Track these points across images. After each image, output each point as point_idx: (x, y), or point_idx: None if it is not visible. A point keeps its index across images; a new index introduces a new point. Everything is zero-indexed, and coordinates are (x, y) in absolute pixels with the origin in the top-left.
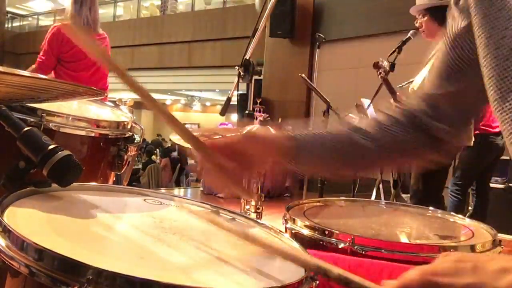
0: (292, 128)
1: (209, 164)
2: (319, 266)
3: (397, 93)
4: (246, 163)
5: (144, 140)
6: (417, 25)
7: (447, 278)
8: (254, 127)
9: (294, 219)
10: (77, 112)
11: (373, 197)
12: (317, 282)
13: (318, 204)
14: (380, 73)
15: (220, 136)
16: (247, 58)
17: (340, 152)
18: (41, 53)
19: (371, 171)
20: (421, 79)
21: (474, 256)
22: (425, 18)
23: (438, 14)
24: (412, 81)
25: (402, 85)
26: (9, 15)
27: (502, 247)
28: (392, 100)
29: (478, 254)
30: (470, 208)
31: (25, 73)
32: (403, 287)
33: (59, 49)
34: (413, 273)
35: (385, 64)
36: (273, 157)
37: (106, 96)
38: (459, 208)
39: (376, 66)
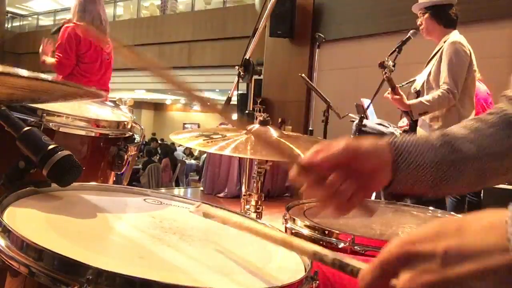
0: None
1: (318, 186)
2: (316, 252)
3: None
4: (363, 180)
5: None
6: (418, 23)
7: (427, 244)
8: (254, 126)
9: (294, 219)
10: (77, 112)
11: (373, 197)
12: (317, 282)
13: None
14: (385, 72)
15: (318, 151)
16: (247, 58)
17: (442, 163)
18: (59, 52)
19: (474, 186)
20: (422, 79)
21: (460, 218)
22: (426, 16)
23: (438, 13)
24: (413, 81)
25: (402, 85)
26: (9, 15)
27: None
28: (390, 92)
29: (464, 216)
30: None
31: (26, 73)
32: (382, 264)
33: (78, 47)
34: (392, 245)
35: (390, 63)
36: (382, 172)
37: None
38: (458, 208)
39: (382, 65)
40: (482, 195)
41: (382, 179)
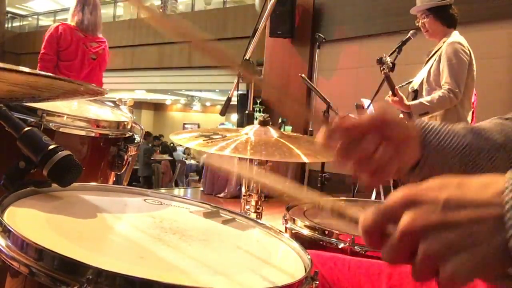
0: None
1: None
2: (314, 200)
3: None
4: (396, 148)
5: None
6: (418, 25)
7: (431, 193)
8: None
9: (294, 219)
10: (77, 112)
11: (373, 197)
12: (317, 282)
13: None
14: (383, 69)
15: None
16: (247, 58)
17: (470, 148)
18: (42, 49)
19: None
20: (420, 78)
21: (461, 176)
22: (428, 18)
23: (441, 14)
24: (411, 81)
25: (402, 85)
26: (9, 15)
27: None
28: (390, 95)
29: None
30: None
31: (27, 70)
32: (386, 207)
33: (57, 45)
34: (398, 192)
35: (388, 60)
36: (411, 144)
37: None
38: None
39: (380, 62)
40: None
41: (412, 152)
